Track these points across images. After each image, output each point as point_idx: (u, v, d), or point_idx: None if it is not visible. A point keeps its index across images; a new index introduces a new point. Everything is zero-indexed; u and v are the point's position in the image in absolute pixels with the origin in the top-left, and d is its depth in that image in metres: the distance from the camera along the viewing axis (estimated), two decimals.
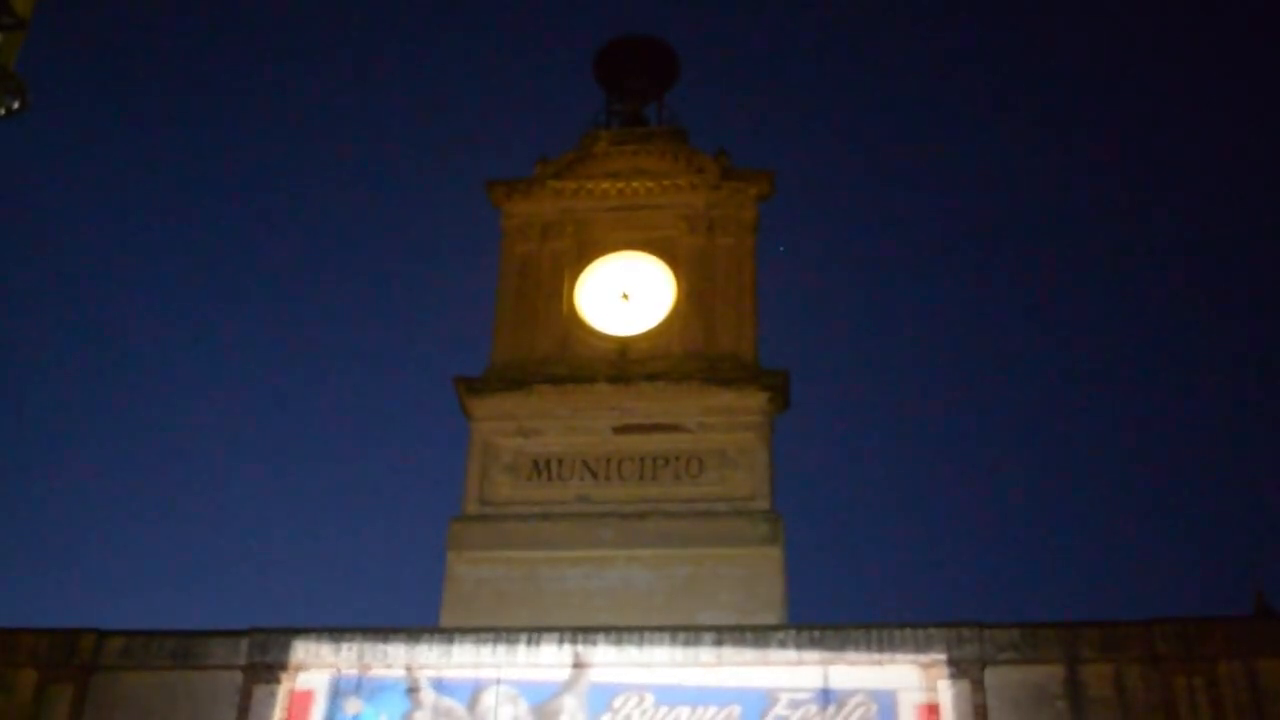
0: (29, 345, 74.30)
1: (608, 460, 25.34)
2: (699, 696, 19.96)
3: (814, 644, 20.13)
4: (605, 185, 28.15)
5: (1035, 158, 79.32)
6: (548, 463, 25.41)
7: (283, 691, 20.57)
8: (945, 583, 68.80)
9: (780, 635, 20.37)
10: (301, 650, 20.79)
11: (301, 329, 78.96)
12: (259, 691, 20.57)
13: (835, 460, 77.43)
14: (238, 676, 20.75)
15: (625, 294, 27.26)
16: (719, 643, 20.27)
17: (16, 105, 13.41)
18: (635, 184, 28.08)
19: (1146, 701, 19.42)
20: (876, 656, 19.94)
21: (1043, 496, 74.71)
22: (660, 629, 20.62)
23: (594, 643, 20.45)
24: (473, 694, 20.34)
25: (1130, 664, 19.66)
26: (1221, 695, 19.35)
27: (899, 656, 19.91)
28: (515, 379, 26.09)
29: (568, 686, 20.26)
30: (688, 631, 20.51)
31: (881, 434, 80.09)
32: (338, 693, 20.56)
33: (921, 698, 19.65)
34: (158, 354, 78.19)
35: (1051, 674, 19.67)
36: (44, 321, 75.40)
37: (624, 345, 26.54)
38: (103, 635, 21.34)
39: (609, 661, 20.30)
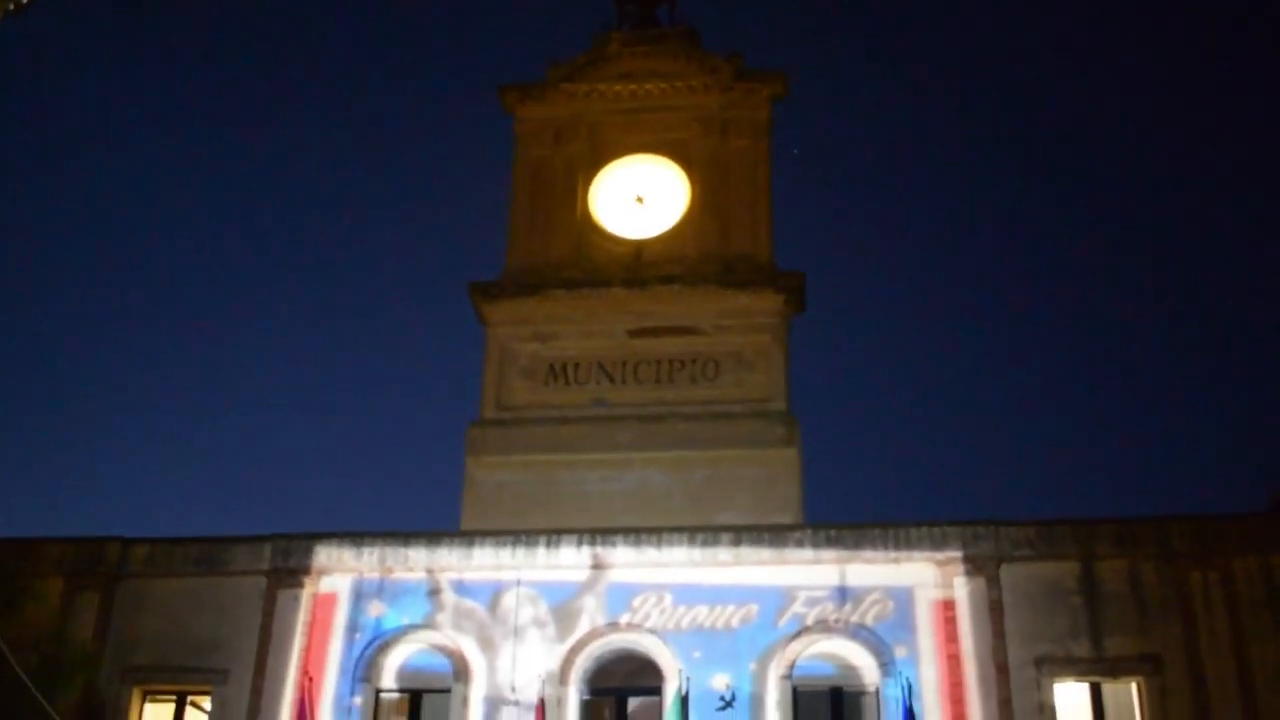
0: (48, 257, 74.50)
1: (624, 364, 25.39)
2: (717, 595, 20.18)
3: (831, 543, 20.29)
4: (618, 88, 27.90)
5: (1055, 57, 78.28)
6: (564, 367, 25.47)
7: (306, 595, 20.86)
8: (961, 483, 69.18)
9: (797, 535, 20.53)
10: (324, 555, 21.05)
11: (322, 238, 79.10)
12: (283, 596, 20.86)
13: (851, 362, 77.64)
14: (261, 582, 21.03)
15: (639, 197, 27.12)
16: (736, 543, 20.45)
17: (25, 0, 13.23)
18: (648, 86, 27.82)
19: (1161, 597, 19.57)
20: (893, 554, 20.10)
21: (1059, 397, 74.68)
22: (678, 530, 20.80)
23: (613, 544, 20.65)
24: (493, 595, 20.60)
25: (1145, 560, 19.79)
26: (1236, 590, 19.49)
27: (915, 554, 20.07)
28: (530, 284, 26.08)
29: (587, 587, 20.49)
30: (705, 532, 20.68)
31: (897, 335, 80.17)
32: (360, 596, 20.84)
33: (937, 594, 19.84)
34: (179, 268, 78.21)
35: (1066, 570, 19.82)
36: (57, 227, 75.45)
37: (638, 248, 26.47)
38: (127, 543, 21.63)
39: (627, 562, 20.51)
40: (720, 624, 20.03)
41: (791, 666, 19.66)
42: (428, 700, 20.49)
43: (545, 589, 20.57)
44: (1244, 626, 19.22)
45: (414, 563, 20.90)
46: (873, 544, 20.23)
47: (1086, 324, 76.00)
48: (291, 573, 21.00)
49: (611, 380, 25.26)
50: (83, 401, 72.54)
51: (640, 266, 26.07)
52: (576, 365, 25.46)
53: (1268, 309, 70.63)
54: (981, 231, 79.28)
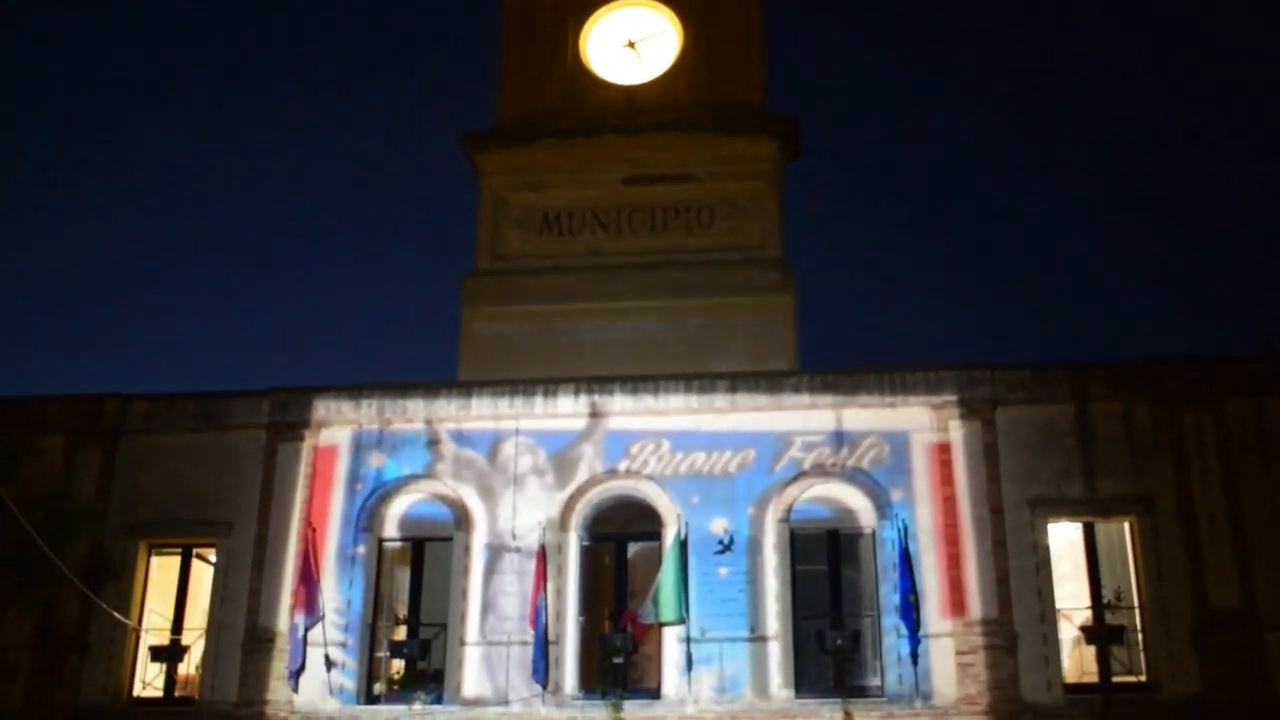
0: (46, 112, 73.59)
1: (618, 212, 25.22)
2: (714, 441, 20.35)
3: (827, 388, 20.41)
4: None
5: None
6: (558, 216, 25.31)
7: (306, 448, 21.03)
8: (957, 330, 69.34)
9: (793, 380, 20.64)
10: (323, 408, 21.17)
11: (312, 88, 78.13)
12: (283, 449, 21.03)
13: (847, 208, 77.21)
14: (261, 435, 21.18)
15: (631, 42, 26.65)
16: (733, 389, 20.56)
17: None
18: None
19: (1154, 438, 19.74)
20: (889, 399, 20.23)
21: (1054, 241, 74.50)
22: (675, 377, 20.89)
23: (610, 392, 20.76)
24: (492, 445, 20.77)
25: (1139, 403, 19.91)
26: (1228, 432, 19.63)
27: (911, 398, 20.20)
28: (522, 133, 25.77)
29: (585, 435, 20.66)
30: (702, 379, 20.78)
31: (892, 181, 79.52)
32: (360, 447, 21.01)
33: (933, 438, 20.02)
34: (171, 140, 77.34)
35: (1061, 413, 19.96)
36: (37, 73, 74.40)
37: (630, 95, 26.10)
38: (126, 400, 21.73)
39: (625, 410, 20.65)
40: (718, 469, 20.23)
41: (789, 510, 19.91)
42: (430, 549, 20.80)
43: (543, 438, 20.74)
44: (1236, 468, 19.40)
45: (413, 414, 21.04)
46: (868, 389, 20.34)
47: (1082, 169, 75.52)
48: (291, 426, 21.14)
49: (606, 229, 25.12)
50: (76, 261, 72.38)
51: (633, 113, 25.74)
52: (571, 215, 25.29)
53: (1263, 153, 70.07)
54: (978, 72, 78.28)
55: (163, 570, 21.32)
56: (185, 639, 20.78)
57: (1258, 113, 71.97)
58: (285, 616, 19.94)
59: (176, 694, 20.56)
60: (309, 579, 19.47)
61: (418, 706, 19.45)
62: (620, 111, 25.82)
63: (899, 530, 18.99)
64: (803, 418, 20.32)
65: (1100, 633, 19.20)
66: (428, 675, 20.03)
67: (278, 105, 78.34)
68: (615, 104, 26.03)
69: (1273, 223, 68.76)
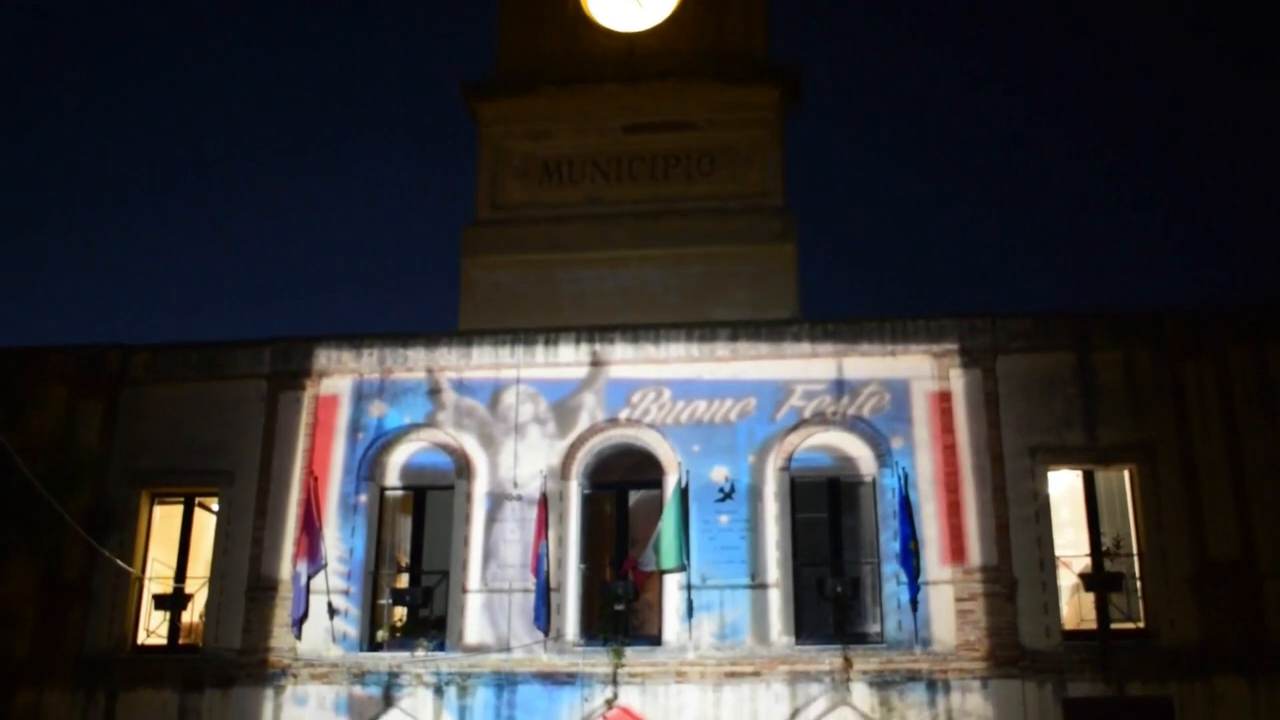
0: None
1: (619, 160, 25.11)
2: (715, 390, 20.37)
3: (828, 336, 20.41)
4: None
5: None
6: (558, 165, 25.20)
7: (307, 397, 21.06)
8: (958, 279, 69.19)
9: (794, 329, 20.63)
10: (324, 357, 21.18)
11: (310, 37, 77.67)
12: (284, 399, 21.06)
13: (849, 157, 76.87)
14: (263, 385, 21.20)
15: None
16: (734, 338, 20.56)
17: None
18: None
19: (1155, 388, 19.74)
20: (890, 347, 20.23)
21: (1056, 191, 74.21)
22: (676, 326, 20.88)
23: (611, 341, 20.77)
24: (493, 393, 20.80)
25: (1140, 351, 19.90)
26: (1229, 382, 19.62)
27: (912, 347, 20.20)
28: (522, 82, 25.62)
29: (586, 384, 20.68)
30: (703, 328, 20.77)
31: (893, 130, 79.12)
32: (361, 396, 21.04)
33: (933, 386, 20.03)
34: (173, 76, 76.93)
35: (1062, 361, 19.95)
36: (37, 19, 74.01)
37: (632, 43, 25.91)
38: (128, 350, 21.73)
39: (626, 359, 20.66)
40: (719, 418, 20.26)
41: (789, 458, 19.95)
42: (432, 497, 20.86)
43: (544, 386, 20.76)
44: (1236, 417, 19.40)
45: (414, 363, 21.05)
46: (869, 337, 20.33)
47: (1084, 120, 75.12)
48: (292, 375, 21.16)
49: (607, 178, 25.02)
50: (76, 212, 72.23)
51: (634, 61, 25.56)
52: (571, 163, 25.18)
53: (1267, 106, 69.66)
54: (982, 20, 77.73)
55: (165, 519, 21.39)
56: (189, 587, 20.89)
57: (1268, 56, 71.50)
58: (288, 565, 20.04)
59: (181, 642, 20.69)
60: (311, 528, 19.53)
61: (420, 653, 19.58)
62: (621, 59, 25.65)
63: (899, 478, 19.02)
64: (804, 366, 20.32)
65: (1099, 580, 19.26)
66: (430, 622, 20.16)
67: (276, 53, 77.93)
68: (616, 52, 25.85)
69: (1276, 170, 68.43)
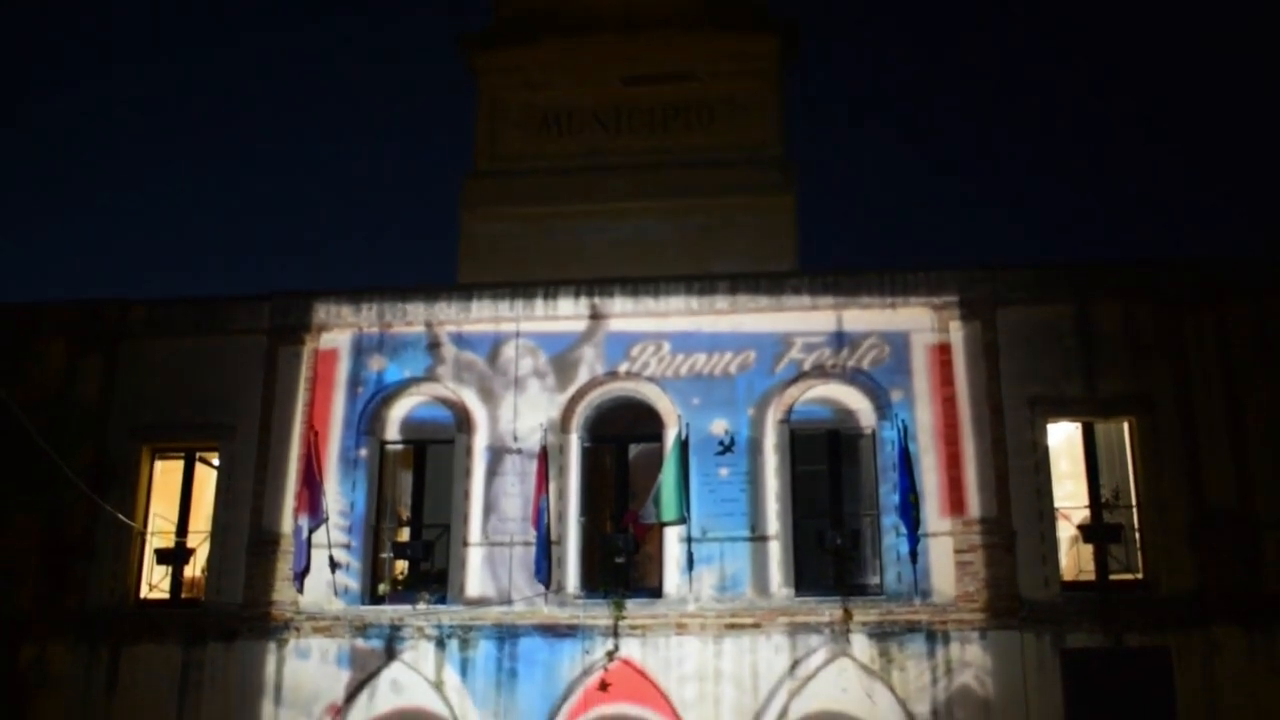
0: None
1: (617, 112, 25.01)
2: (714, 343, 20.35)
3: (827, 289, 20.36)
4: None
5: None
6: (557, 116, 25.09)
7: (307, 352, 21.04)
8: (958, 232, 68.97)
9: (794, 281, 20.58)
10: (323, 312, 21.15)
11: None
12: (284, 353, 21.04)
13: (848, 110, 76.42)
14: (262, 340, 21.17)
15: None
16: (734, 290, 20.51)
17: None
18: None
19: (1154, 339, 19.71)
20: (889, 300, 20.19)
21: (1056, 141, 73.85)
22: (675, 278, 20.83)
23: (610, 294, 20.72)
24: (492, 347, 20.78)
25: (1139, 303, 19.86)
26: (1228, 334, 19.58)
27: (912, 299, 20.16)
28: (520, 32, 25.46)
29: (585, 337, 20.65)
30: (702, 280, 20.72)
31: (893, 81, 78.61)
32: (361, 351, 21.02)
33: (933, 338, 20.00)
34: (174, 34, 76.40)
35: (1061, 313, 19.91)
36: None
37: None
38: (127, 304, 21.70)
39: (625, 312, 20.62)
40: (718, 370, 20.25)
41: (789, 411, 19.96)
42: (432, 451, 20.87)
43: (544, 340, 20.73)
44: (1235, 369, 19.38)
45: (413, 317, 21.02)
46: (869, 290, 20.29)
47: (1086, 70, 74.65)
48: (292, 330, 21.13)
49: (605, 129, 24.91)
50: (74, 166, 71.94)
51: (633, 12, 25.39)
52: (570, 115, 25.07)
53: (1265, 62, 69.18)
54: None
55: (166, 474, 21.41)
56: (190, 542, 20.93)
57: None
58: (289, 519, 20.07)
59: (183, 596, 20.77)
60: (312, 482, 19.55)
61: (421, 606, 19.66)
62: (619, 9, 25.47)
63: (899, 430, 19.03)
64: (803, 318, 20.29)
65: (1098, 531, 19.32)
66: (431, 576, 20.23)
67: (272, 7, 77.38)
68: (614, 2, 25.66)
69: (1275, 123, 68.08)
